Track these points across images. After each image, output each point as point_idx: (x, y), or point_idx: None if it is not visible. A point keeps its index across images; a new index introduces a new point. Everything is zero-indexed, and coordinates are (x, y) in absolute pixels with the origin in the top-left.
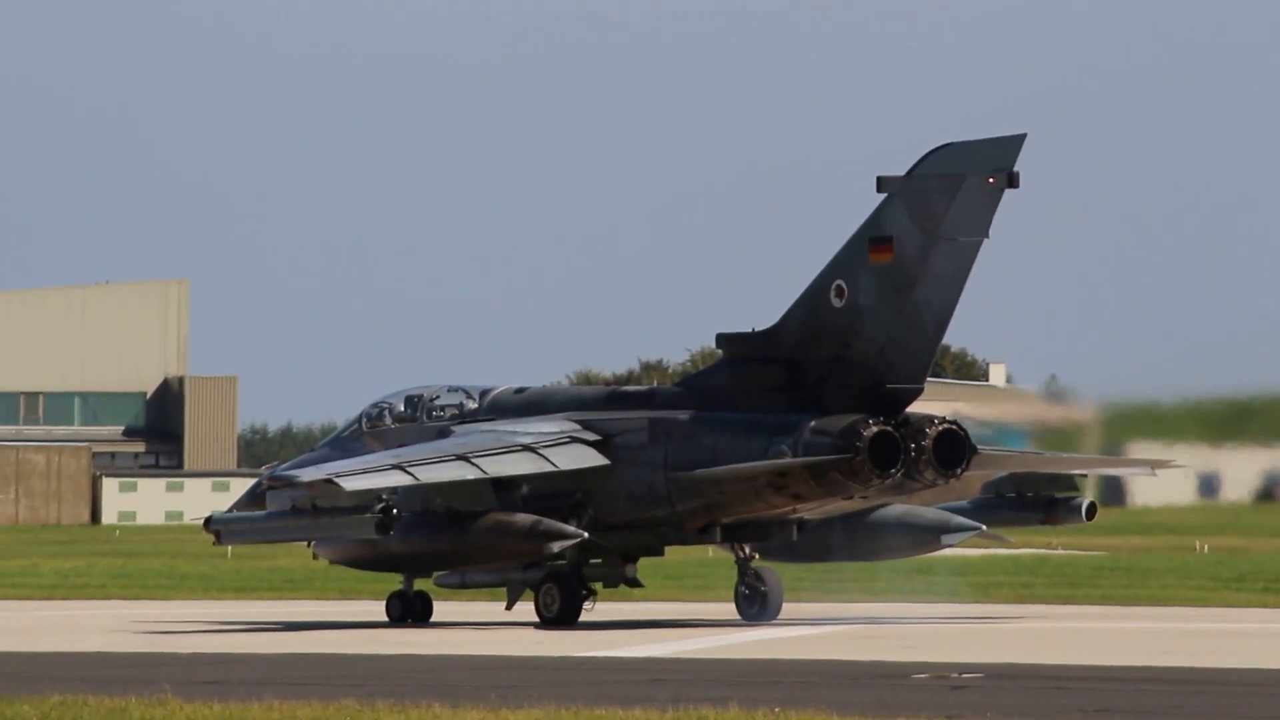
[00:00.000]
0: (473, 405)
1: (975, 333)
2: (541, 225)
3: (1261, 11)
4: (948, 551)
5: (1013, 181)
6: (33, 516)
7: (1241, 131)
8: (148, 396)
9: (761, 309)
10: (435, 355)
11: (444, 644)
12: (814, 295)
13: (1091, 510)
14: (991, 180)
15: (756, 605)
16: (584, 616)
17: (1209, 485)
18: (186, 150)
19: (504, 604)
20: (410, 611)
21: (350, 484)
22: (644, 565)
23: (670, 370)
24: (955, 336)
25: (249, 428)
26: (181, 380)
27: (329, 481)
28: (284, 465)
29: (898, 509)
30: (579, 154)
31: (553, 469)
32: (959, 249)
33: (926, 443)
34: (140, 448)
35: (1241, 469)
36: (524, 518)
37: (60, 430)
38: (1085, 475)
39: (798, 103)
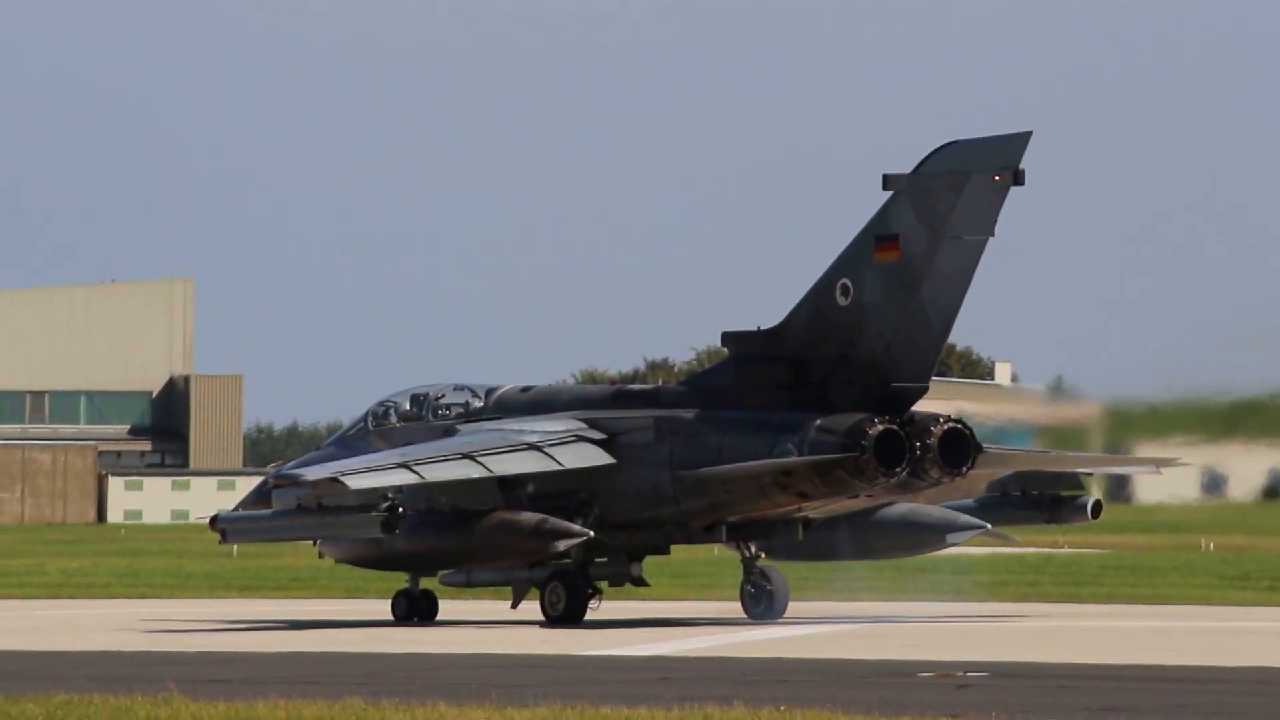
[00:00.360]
0: (478, 404)
1: (981, 331)
2: (547, 224)
3: (1271, 7)
4: (953, 550)
5: (1018, 179)
6: (38, 515)
7: (1247, 130)
8: (153, 395)
9: (767, 307)
10: (441, 354)
11: (449, 643)
12: (819, 293)
13: (1097, 509)
14: (997, 178)
15: (762, 604)
16: (589, 615)
17: (1214, 484)
18: (192, 149)
19: (509, 603)
20: (416, 610)
21: (356, 483)
22: (649, 564)
23: (675, 369)
24: (961, 335)
25: (254, 426)
26: (187, 379)
27: (334, 480)
28: (290, 464)
29: (903, 508)
30: (585, 153)
31: (558, 468)
32: (964, 247)
33: (932, 441)
34: (146, 446)
35: (1246, 467)
36: (529, 516)
37: (66, 429)
38: (1090, 474)
39: (803, 101)
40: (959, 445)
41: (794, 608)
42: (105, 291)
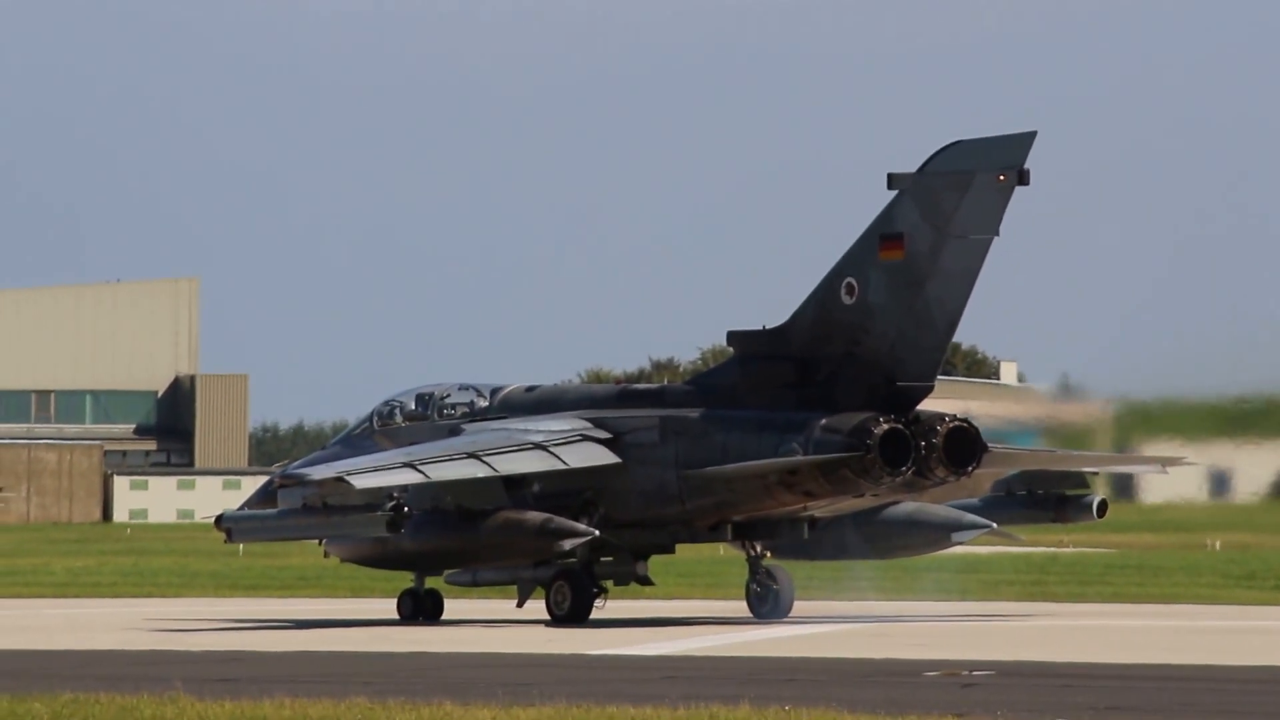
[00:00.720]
0: (484, 403)
1: (986, 330)
2: (552, 223)
3: (1276, 7)
4: (958, 549)
5: (1023, 179)
6: (44, 514)
7: (1255, 128)
8: (159, 395)
9: (772, 307)
10: (446, 354)
11: (455, 642)
12: (824, 293)
13: (1102, 508)
14: (1002, 178)
15: (768, 603)
16: (595, 614)
17: (1220, 483)
18: (198, 149)
19: (515, 602)
20: (421, 609)
21: (361, 482)
22: (655, 563)
23: (681, 368)
24: (966, 334)
25: (260, 426)
26: (193, 378)
27: (340, 479)
28: (295, 463)
29: (908, 507)
30: (591, 153)
31: (564, 467)
32: (969, 246)
33: (937, 440)
34: (151, 446)
35: (1253, 466)
36: (535, 516)
37: (71, 428)
38: (1096, 473)
39: (808, 100)
40: (964, 444)
41: (799, 607)
42: (111, 291)
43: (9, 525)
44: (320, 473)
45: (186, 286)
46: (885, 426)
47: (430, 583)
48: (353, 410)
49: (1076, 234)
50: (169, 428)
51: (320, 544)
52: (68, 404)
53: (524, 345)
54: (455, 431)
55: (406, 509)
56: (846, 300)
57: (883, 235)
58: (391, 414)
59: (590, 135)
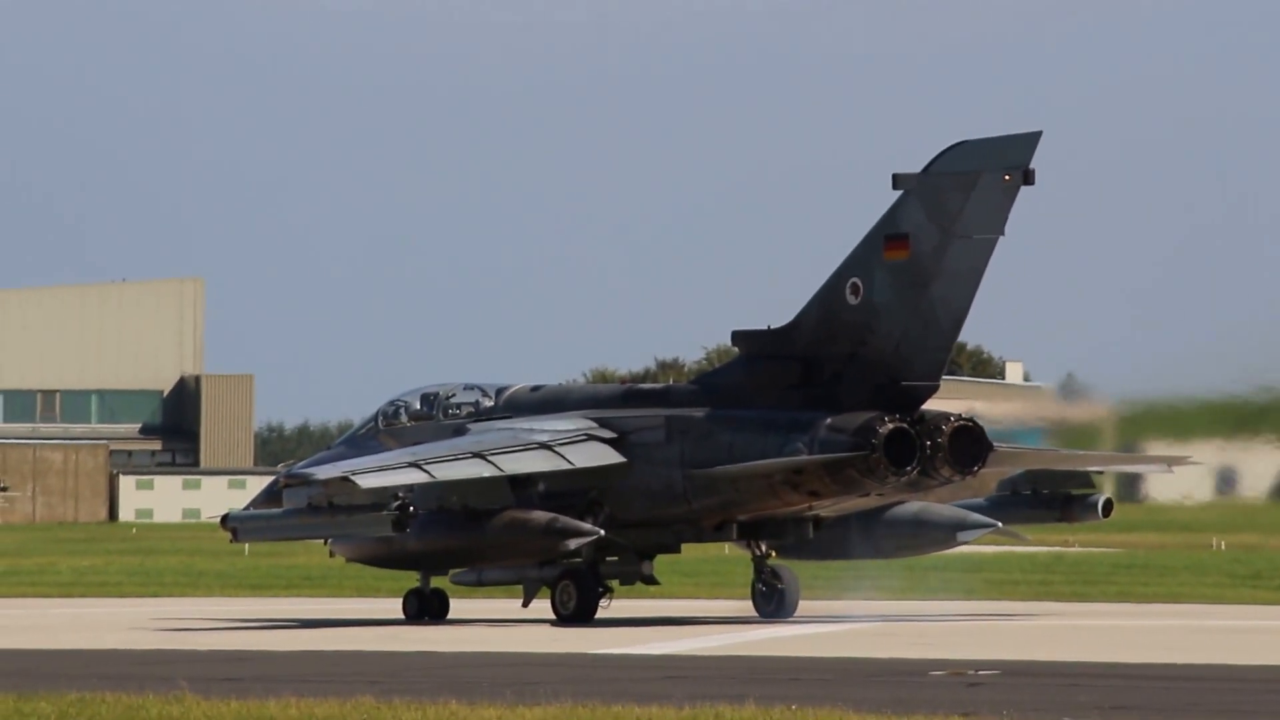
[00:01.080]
0: (489, 403)
1: (992, 330)
2: (557, 223)
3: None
4: (964, 549)
5: (1028, 179)
6: (50, 514)
7: (1259, 128)
8: (164, 394)
9: (777, 306)
10: (451, 353)
11: (460, 641)
12: (829, 292)
13: (1108, 507)
14: (1007, 178)
15: (773, 603)
16: (600, 614)
17: (1226, 482)
18: (203, 149)
19: (520, 601)
20: (427, 609)
21: (366, 481)
22: (660, 562)
23: (686, 368)
24: (971, 334)
25: (265, 426)
26: (198, 378)
27: (345, 479)
28: (301, 463)
29: (913, 506)
30: (595, 152)
31: (569, 467)
32: (975, 246)
33: (942, 440)
34: (157, 445)
35: (1258, 466)
36: (540, 515)
37: (77, 428)
38: (1102, 472)
39: (813, 100)
40: (970, 444)
41: (805, 606)
42: (116, 291)
43: (15, 525)
44: (325, 472)
45: (192, 286)
46: (890, 426)
47: (436, 582)
48: (358, 410)
49: (1082, 234)
50: (174, 427)
51: (325, 543)
52: (73, 404)
53: (529, 345)
54: (460, 431)
55: (412, 508)
56: (851, 300)
57: (888, 235)
58: (396, 414)
59: (595, 135)
